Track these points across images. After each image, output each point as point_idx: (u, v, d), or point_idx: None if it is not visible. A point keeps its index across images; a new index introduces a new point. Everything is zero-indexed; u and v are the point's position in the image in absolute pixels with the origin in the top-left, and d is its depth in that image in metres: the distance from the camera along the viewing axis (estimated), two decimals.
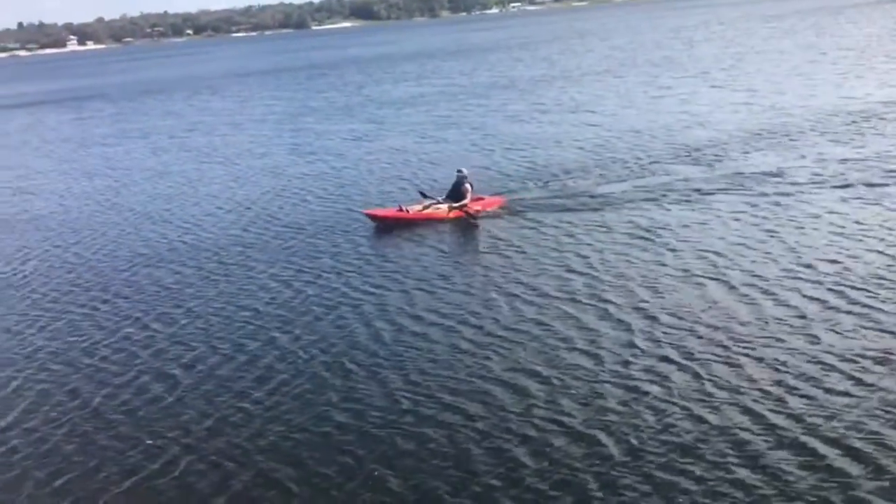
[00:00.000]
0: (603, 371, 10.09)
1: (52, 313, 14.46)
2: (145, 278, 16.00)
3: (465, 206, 18.35)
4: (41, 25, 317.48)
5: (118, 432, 9.76)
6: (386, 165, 25.11)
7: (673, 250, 14.61)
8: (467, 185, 18.52)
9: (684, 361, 10.15)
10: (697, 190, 18.58)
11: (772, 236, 14.84)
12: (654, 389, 9.50)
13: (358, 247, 16.85)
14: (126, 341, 12.78)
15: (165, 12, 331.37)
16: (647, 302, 12.25)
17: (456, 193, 18.60)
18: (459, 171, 18.87)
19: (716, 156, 21.84)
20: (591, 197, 18.84)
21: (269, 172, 25.95)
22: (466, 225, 17.94)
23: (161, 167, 29.09)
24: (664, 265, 13.88)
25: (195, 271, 16.16)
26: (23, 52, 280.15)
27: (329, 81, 61.08)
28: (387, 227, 17.95)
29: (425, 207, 18.40)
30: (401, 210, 18.24)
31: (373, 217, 18.17)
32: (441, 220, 18.16)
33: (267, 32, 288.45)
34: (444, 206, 18.39)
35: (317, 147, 30.20)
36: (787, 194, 17.53)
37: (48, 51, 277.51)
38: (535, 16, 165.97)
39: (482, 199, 18.94)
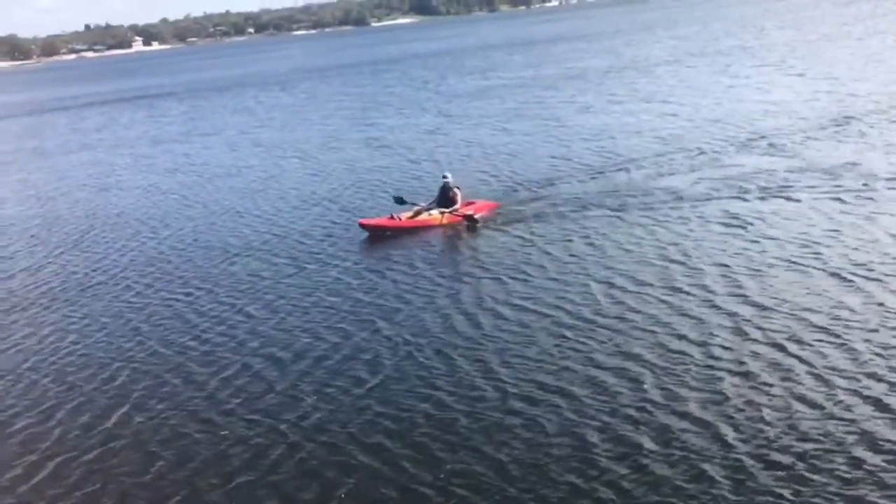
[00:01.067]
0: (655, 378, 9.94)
1: (155, 302, 14.82)
2: (241, 269, 16.25)
3: (457, 210, 17.87)
4: (108, 27, 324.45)
5: (235, 418, 9.96)
6: (462, 158, 25.08)
7: (761, 240, 14.36)
8: (456, 190, 18.15)
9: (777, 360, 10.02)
10: (780, 182, 18.06)
11: (864, 233, 14.32)
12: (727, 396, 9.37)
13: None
14: (228, 328, 13.04)
15: (227, 12, 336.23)
16: (729, 308, 12.05)
17: (445, 199, 18.17)
18: (444, 176, 18.49)
19: (797, 144, 21.39)
20: (669, 192, 18.53)
21: (344, 166, 26.13)
22: (472, 229, 17.43)
23: (238, 162, 29.50)
24: (760, 256, 13.68)
25: (288, 262, 16.36)
26: (90, 54, 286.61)
27: (394, 77, 61.29)
28: (378, 236, 17.46)
29: (416, 214, 17.96)
30: (392, 218, 17.78)
31: (366, 227, 17.61)
32: (438, 227, 17.75)
33: (327, 30, 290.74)
34: (436, 213, 17.96)
35: (390, 141, 30.28)
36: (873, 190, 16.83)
37: (115, 52, 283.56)
38: (596, 8, 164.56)
39: (474, 203, 18.50)
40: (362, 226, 17.63)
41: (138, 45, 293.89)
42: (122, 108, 61.12)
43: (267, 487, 8.37)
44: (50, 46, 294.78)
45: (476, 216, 17.73)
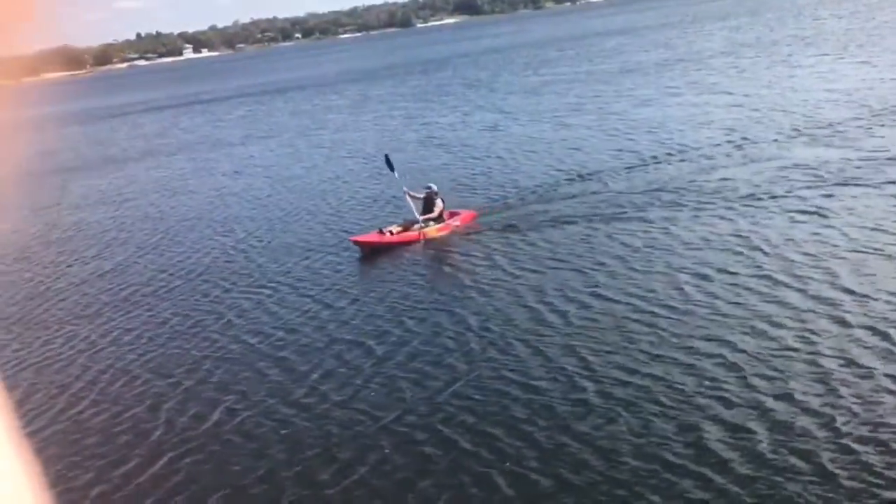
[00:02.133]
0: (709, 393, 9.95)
1: (239, 298, 15.20)
2: (321, 264, 16.57)
3: (443, 220, 17.83)
4: (158, 35, 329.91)
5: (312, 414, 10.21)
6: (524, 153, 25.13)
7: (840, 230, 14.20)
8: (439, 201, 18.03)
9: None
10: (851, 172, 17.66)
11: None
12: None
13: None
14: (316, 321, 13.33)
15: (275, 17, 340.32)
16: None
17: (430, 209, 18.00)
18: (428, 187, 18.32)
19: (865, 133, 21.03)
20: (740, 182, 18.43)
21: (406, 164, 26.32)
22: (464, 242, 17.07)
23: (300, 163, 29.94)
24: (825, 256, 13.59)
25: (362, 257, 16.67)
26: (142, 62, 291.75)
27: (444, 76, 61.47)
28: (375, 252, 17.03)
29: (406, 228, 17.70)
30: (381, 233, 17.41)
31: (357, 243, 17.18)
32: (433, 239, 17.48)
33: (372, 32, 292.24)
34: (428, 224, 17.71)
35: (448, 139, 30.43)
36: None
37: (166, 60, 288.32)
38: (643, 2, 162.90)
39: (458, 213, 18.36)
40: (355, 243, 17.25)
41: (188, 53, 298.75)
42: (180, 113, 62.21)
43: (379, 479, 8.57)
44: (103, 56, 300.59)
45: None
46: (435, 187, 18.30)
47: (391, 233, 17.37)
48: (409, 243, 17.29)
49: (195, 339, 13.37)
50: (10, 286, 18.30)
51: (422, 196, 18.08)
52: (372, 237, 17.35)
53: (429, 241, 17.40)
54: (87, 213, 26.17)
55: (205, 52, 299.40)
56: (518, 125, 31.22)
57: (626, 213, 17.03)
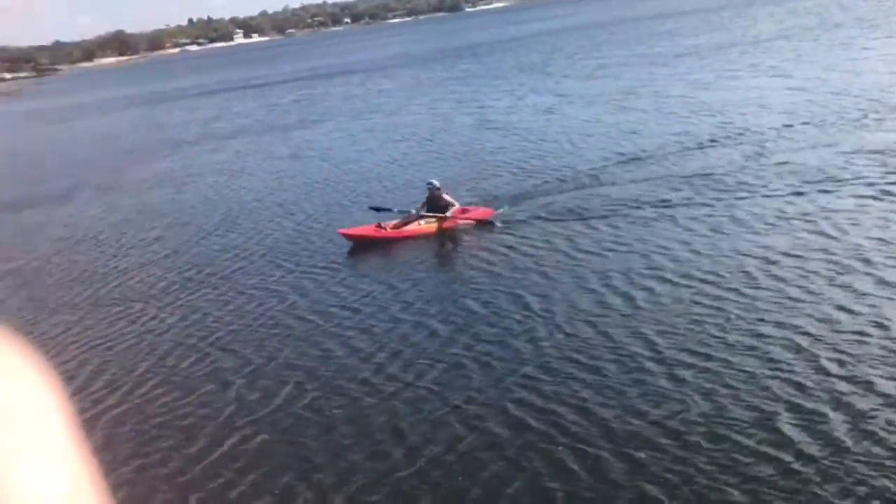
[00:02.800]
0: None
1: (304, 279, 15.31)
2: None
3: (454, 216, 17.06)
4: (209, 21, 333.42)
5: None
6: (582, 136, 24.86)
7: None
8: (447, 196, 17.25)
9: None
10: None
11: None
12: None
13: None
14: (380, 301, 13.40)
15: (324, 2, 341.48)
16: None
17: (435, 206, 17.19)
18: (430, 183, 17.50)
19: None
20: (810, 167, 18.05)
21: (463, 148, 26.27)
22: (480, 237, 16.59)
23: (356, 146, 30.01)
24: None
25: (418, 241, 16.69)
26: (194, 48, 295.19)
27: (496, 60, 61.12)
28: (363, 246, 16.64)
29: (404, 223, 17.10)
30: (379, 227, 16.86)
31: (349, 236, 16.75)
32: (429, 236, 16.89)
33: (421, 17, 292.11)
34: (431, 221, 17.06)
35: (504, 122, 30.17)
36: None
37: (217, 45, 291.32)
38: None
39: (468, 209, 17.61)
40: (346, 236, 16.77)
41: (239, 38, 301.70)
42: (233, 97, 62.75)
43: (451, 458, 8.59)
44: (155, 41, 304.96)
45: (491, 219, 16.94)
46: (437, 182, 17.51)
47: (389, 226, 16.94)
48: (411, 238, 16.81)
49: (260, 319, 13.50)
50: (75, 267, 18.64)
51: (412, 212, 17.29)
52: (366, 231, 16.88)
53: (444, 233, 16.89)
54: (148, 195, 26.54)
55: (255, 38, 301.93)
56: (573, 108, 30.95)
57: (689, 197, 16.77)
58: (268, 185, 25.19)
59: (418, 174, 23.12)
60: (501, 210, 17.69)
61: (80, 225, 23.00)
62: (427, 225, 17.08)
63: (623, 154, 21.47)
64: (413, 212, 17.31)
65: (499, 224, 16.80)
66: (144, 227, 21.58)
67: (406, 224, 17.11)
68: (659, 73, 37.78)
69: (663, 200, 16.82)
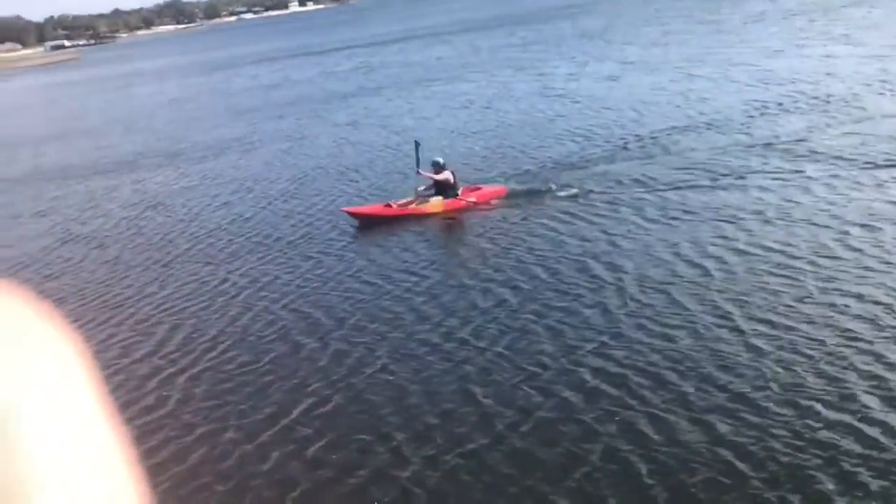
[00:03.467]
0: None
1: (367, 247, 15.44)
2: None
3: (457, 195, 16.74)
4: None
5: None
6: (649, 103, 24.43)
7: None
8: (448, 174, 16.76)
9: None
10: None
11: None
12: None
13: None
14: (437, 273, 13.44)
15: None
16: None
17: (441, 186, 16.79)
18: (435, 161, 17.01)
19: None
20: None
21: (524, 116, 26.09)
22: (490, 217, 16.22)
23: (415, 114, 29.89)
24: None
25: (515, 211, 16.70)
26: (249, 15, 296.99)
27: (557, 27, 60.06)
28: (377, 223, 16.46)
29: (413, 202, 16.90)
30: (388, 206, 16.73)
31: (355, 214, 16.61)
32: (435, 215, 16.53)
33: None
34: (437, 200, 16.71)
35: (570, 90, 29.57)
36: None
37: (272, 13, 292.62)
38: None
39: (479, 188, 17.24)
40: (351, 214, 16.67)
41: (294, 6, 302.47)
42: (291, 65, 62.80)
43: (526, 427, 8.62)
44: (212, 9, 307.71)
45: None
46: (442, 160, 17.05)
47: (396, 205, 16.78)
48: (422, 216, 16.56)
49: (329, 283, 13.63)
50: (145, 231, 18.96)
51: (432, 173, 16.92)
52: (373, 209, 16.75)
53: (457, 213, 16.55)
54: (213, 161, 26.81)
55: (310, 6, 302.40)
56: (637, 76, 30.44)
57: (758, 166, 16.48)
58: (329, 151, 25.28)
59: (480, 142, 23.07)
60: (513, 187, 17.31)
61: (148, 191, 23.38)
62: (434, 204, 16.73)
63: (689, 122, 21.13)
64: (421, 188, 17.04)
65: (513, 200, 16.63)
66: (210, 193, 21.85)
67: (412, 203, 16.90)
68: (727, 40, 36.78)
69: (733, 169, 16.55)
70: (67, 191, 25.01)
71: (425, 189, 17.01)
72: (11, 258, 18.10)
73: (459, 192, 16.82)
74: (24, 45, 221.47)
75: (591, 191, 16.69)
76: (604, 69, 33.67)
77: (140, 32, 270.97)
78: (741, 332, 9.70)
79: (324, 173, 22.22)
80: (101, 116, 45.25)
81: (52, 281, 15.94)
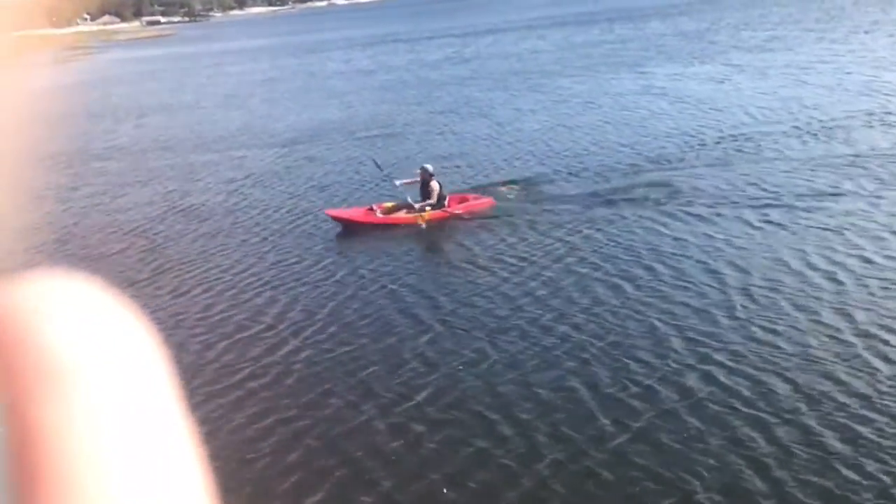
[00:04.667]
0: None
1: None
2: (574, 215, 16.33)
3: (444, 205, 16.23)
4: None
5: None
6: (761, 108, 23.72)
7: None
8: (435, 183, 16.26)
9: None
10: None
11: None
12: None
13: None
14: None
15: None
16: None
17: (424, 193, 16.38)
18: (423, 167, 16.61)
19: None
20: None
21: (618, 114, 25.56)
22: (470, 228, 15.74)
23: (514, 106, 29.58)
24: None
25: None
26: (340, 1, 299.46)
27: (655, 26, 58.95)
28: (352, 229, 16.08)
29: (396, 209, 16.43)
30: (371, 211, 16.29)
31: (336, 219, 16.32)
32: (418, 224, 16.01)
33: None
34: (418, 208, 16.22)
35: (674, 91, 28.93)
36: None
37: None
38: None
39: (466, 198, 16.78)
40: (334, 218, 16.36)
41: None
42: (383, 52, 62.85)
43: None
44: None
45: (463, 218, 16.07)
46: (430, 168, 16.63)
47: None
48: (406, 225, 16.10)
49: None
50: (244, 208, 19.00)
51: (417, 180, 16.53)
52: (356, 214, 16.35)
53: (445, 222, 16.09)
54: (315, 142, 26.88)
55: None
56: (744, 79, 29.57)
57: (875, 180, 15.79)
58: (432, 138, 25.16)
59: (582, 139, 22.63)
60: (511, 195, 16.85)
61: (247, 167, 23.49)
62: (420, 213, 16.23)
63: (802, 129, 20.43)
64: (409, 199, 16.48)
65: (502, 211, 16.19)
66: (307, 175, 21.84)
67: (398, 210, 16.45)
68: (839, 49, 35.42)
69: (851, 178, 15.90)
70: (169, 162, 25.35)
71: (411, 195, 16.49)
72: (121, 225, 18.34)
73: (446, 202, 16.40)
74: (122, 18, 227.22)
75: (678, 190, 16.45)
76: (708, 71, 32.88)
77: (233, 12, 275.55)
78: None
79: (411, 163, 22.01)
80: (199, 92, 45.92)
81: (155, 251, 16.10)
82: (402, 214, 16.26)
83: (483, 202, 16.65)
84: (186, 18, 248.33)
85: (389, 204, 16.61)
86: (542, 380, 9.42)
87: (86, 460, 0.42)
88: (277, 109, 35.48)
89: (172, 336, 11.59)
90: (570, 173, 18.87)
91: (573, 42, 53.19)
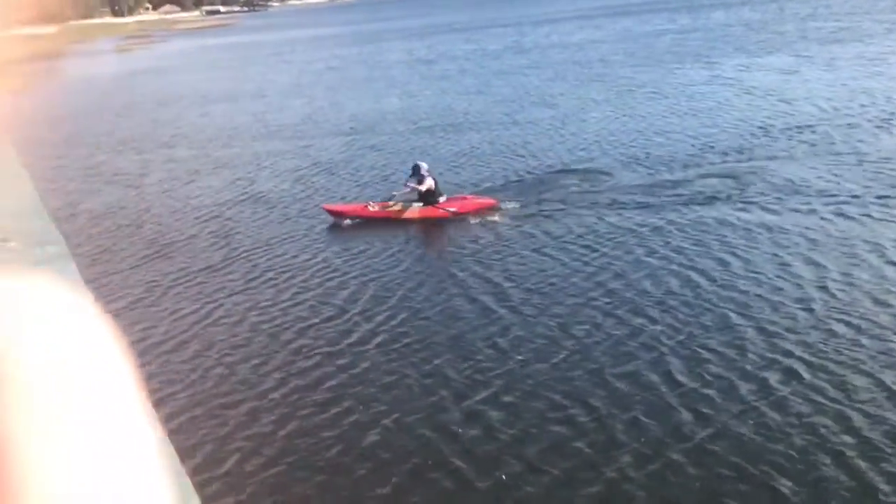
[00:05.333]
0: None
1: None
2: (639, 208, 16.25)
3: (437, 202, 16.21)
4: None
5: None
6: (828, 100, 23.27)
7: None
8: (430, 180, 16.21)
9: None
10: None
11: None
12: None
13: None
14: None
15: None
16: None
17: (421, 192, 16.30)
18: (417, 165, 16.57)
19: None
20: None
21: (697, 104, 25.23)
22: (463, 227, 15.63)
23: (579, 96, 29.41)
24: None
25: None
26: None
27: (718, 17, 58.07)
28: (340, 222, 16.25)
29: (390, 205, 16.42)
30: (366, 207, 16.33)
31: (332, 213, 16.47)
32: (412, 221, 16.05)
33: None
34: (416, 206, 16.23)
35: (738, 79, 28.66)
36: None
37: None
38: None
39: (465, 198, 16.63)
40: (329, 211, 16.61)
41: None
42: (442, 41, 62.79)
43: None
44: None
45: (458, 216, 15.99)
46: (425, 165, 16.63)
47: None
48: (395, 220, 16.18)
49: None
50: (315, 198, 19.13)
51: (416, 179, 16.45)
52: (350, 208, 16.55)
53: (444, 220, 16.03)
54: (378, 129, 27.03)
55: None
56: (814, 71, 28.96)
57: None
58: (495, 128, 25.07)
59: (647, 129, 22.39)
60: (511, 205, 16.46)
61: (313, 156, 23.70)
62: (412, 210, 16.28)
63: (873, 121, 20.08)
64: (396, 193, 16.68)
65: (504, 211, 16.01)
66: (369, 165, 21.96)
67: (390, 206, 16.47)
68: None
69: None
70: (236, 150, 25.67)
71: (407, 192, 16.51)
72: (191, 210, 18.66)
73: (441, 199, 16.38)
74: (182, 7, 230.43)
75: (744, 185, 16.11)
76: (775, 61, 32.32)
77: (291, 2, 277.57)
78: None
79: (476, 153, 22.03)
80: (262, 81, 46.30)
81: (227, 237, 16.34)
82: (396, 210, 16.33)
83: (483, 202, 16.52)
84: (245, 8, 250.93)
85: (382, 202, 16.67)
86: (617, 371, 9.36)
87: (41, 462, 0.40)
88: (341, 98, 35.69)
89: (244, 321, 11.81)
90: (636, 163, 18.74)
91: (633, 32, 52.59)
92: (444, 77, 39.70)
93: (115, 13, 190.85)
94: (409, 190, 16.41)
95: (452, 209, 16.17)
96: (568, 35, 55.65)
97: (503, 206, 16.33)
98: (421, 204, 16.26)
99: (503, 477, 7.65)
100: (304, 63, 55.70)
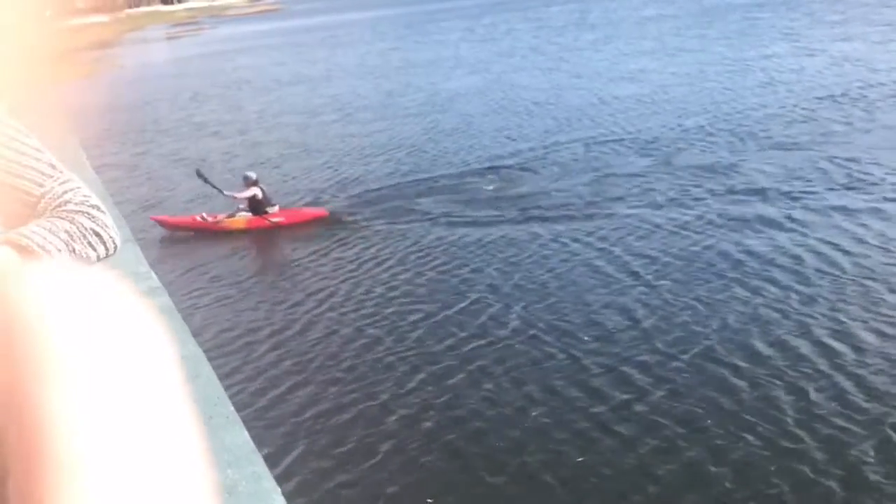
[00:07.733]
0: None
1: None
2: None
3: (265, 213, 15.78)
4: None
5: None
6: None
7: None
8: (256, 191, 15.75)
9: None
10: None
11: None
12: None
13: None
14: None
15: None
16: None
17: (250, 202, 15.89)
18: (246, 176, 16.01)
19: None
20: None
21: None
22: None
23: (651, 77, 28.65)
24: None
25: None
26: None
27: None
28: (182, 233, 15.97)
29: (229, 216, 16.00)
30: (203, 220, 15.95)
31: (163, 224, 16.11)
32: (242, 231, 15.76)
33: None
34: (243, 216, 15.91)
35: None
36: None
37: None
38: None
39: (300, 211, 16.29)
40: (158, 222, 16.19)
41: None
42: (506, 19, 61.81)
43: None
44: None
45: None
46: (254, 175, 16.09)
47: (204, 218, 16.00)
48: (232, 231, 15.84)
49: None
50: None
51: (246, 188, 15.95)
52: (184, 220, 16.16)
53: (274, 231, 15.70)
54: (446, 110, 26.55)
55: None
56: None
57: None
58: (578, 104, 24.46)
59: (739, 103, 21.59)
60: (340, 211, 16.20)
61: (405, 136, 23.26)
62: (238, 220, 15.96)
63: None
64: (235, 198, 16.03)
65: (340, 223, 15.63)
66: (460, 144, 21.47)
67: (227, 217, 16.04)
68: None
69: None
70: (316, 132, 25.35)
71: (240, 204, 16.07)
72: (285, 196, 18.31)
73: (272, 209, 15.98)
74: None
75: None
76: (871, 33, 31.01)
77: None
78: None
79: (553, 135, 21.41)
80: (323, 64, 45.67)
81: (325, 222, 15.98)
82: (222, 222, 15.99)
83: (314, 213, 16.18)
84: None
85: (218, 215, 16.24)
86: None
87: (85, 449, 0.41)
88: (411, 79, 35.06)
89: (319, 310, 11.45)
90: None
91: (706, 6, 51.09)
92: (510, 54, 38.97)
93: (165, 1, 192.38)
94: (234, 199, 15.98)
95: (278, 219, 15.86)
96: (634, 10, 54.28)
97: (339, 217, 15.97)
98: (249, 214, 15.97)
99: None
100: (362, 45, 55.16)
